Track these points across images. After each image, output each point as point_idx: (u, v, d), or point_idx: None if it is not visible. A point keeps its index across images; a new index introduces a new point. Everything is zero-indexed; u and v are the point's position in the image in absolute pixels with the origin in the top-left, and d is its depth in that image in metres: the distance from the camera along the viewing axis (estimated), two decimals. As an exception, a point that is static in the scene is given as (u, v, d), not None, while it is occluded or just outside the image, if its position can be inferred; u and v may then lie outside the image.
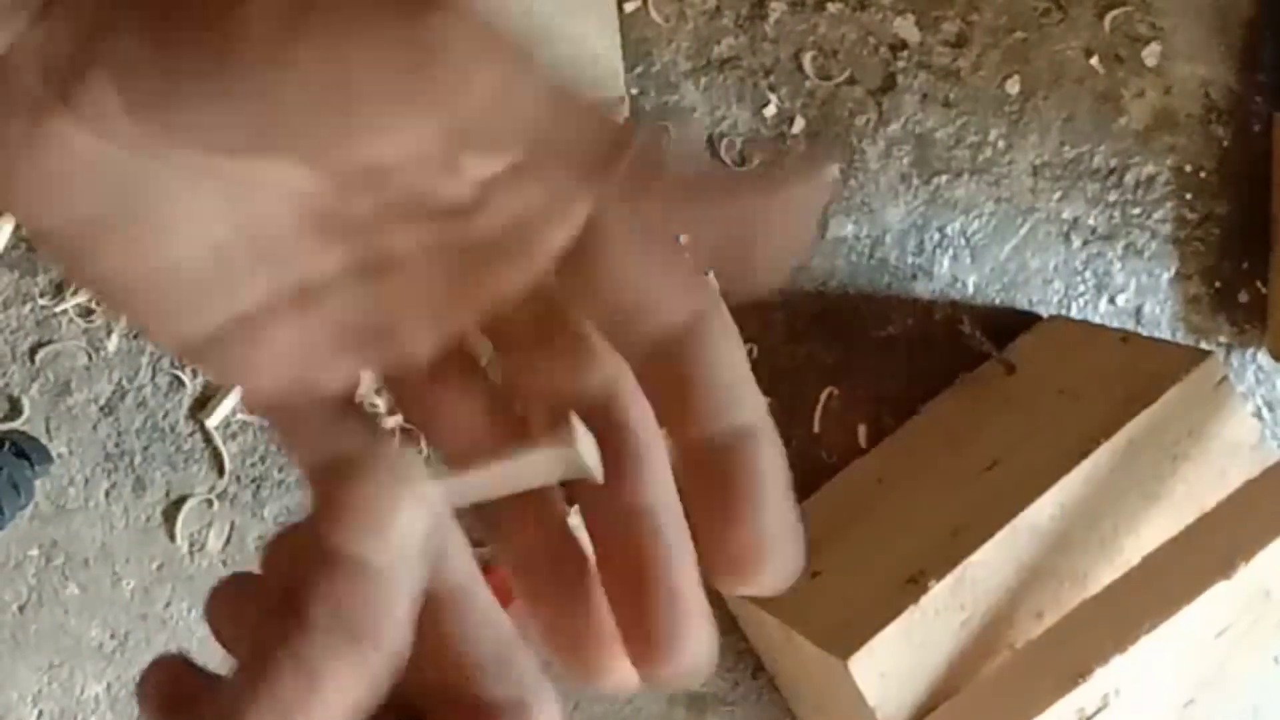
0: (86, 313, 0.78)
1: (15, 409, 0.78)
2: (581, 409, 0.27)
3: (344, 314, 0.28)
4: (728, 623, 0.85)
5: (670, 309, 0.27)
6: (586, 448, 0.26)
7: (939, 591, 0.71)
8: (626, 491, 0.27)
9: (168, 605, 0.80)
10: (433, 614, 0.25)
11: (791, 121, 0.85)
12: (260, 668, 0.23)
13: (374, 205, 0.27)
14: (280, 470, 0.80)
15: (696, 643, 0.25)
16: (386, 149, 0.25)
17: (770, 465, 0.26)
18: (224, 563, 0.80)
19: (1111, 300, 0.91)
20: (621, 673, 0.27)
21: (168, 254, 0.26)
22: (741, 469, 0.26)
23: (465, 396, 0.29)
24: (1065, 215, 0.90)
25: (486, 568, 0.28)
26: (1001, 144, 0.88)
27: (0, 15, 0.24)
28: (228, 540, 0.80)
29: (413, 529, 0.24)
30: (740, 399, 0.27)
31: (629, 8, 0.82)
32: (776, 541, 0.26)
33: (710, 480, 0.26)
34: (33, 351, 0.78)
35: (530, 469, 0.26)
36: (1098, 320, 0.91)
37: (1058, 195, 0.89)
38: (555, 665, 0.27)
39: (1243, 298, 0.93)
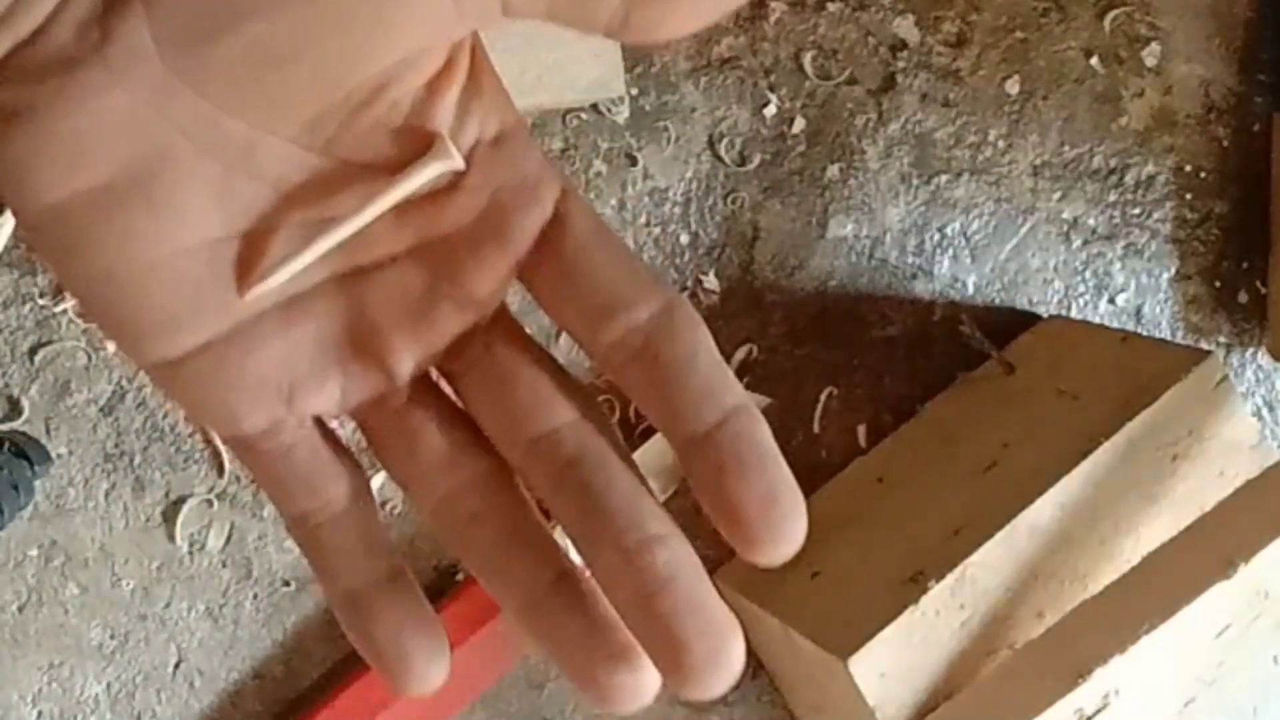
0: (86, 313, 0.78)
1: (15, 409, 0.78)
2: (551, 445, 0.28)
3: (327, 326, 0.28)
4: (728, 623, 0.85)
5: (643, 302, 0.28)
6: (453, 151, 0.27)
7: (939, 591, 0.71)
8: (622, 530, 0.27)
9: (168, 605, 0.80)
10: None
11: (791, 121, 0.85)
12: None
13: (361, 183, 0.27)
14: (280, 470, 0.80)
15: (733, 655, 0.26)
16: (395, 52, 0.25)
17: (763, 433, 0.27)
18: (224, 563, 0.81)
19: (1111, 300, 0.91)
20: (635, 690, 0.27)
21: (167, 243, 0.26)
22: (741, 441, 0.27)
23: (433, 428, 0.29)
24: (1065, 215, 0.90)
25: (467, 582, 0.28)
26: (1001, 144, 0.88)
27: None
28: (228, 540, 0.80)
29: None
30: (723, 384, 0.27)
31: (629, 8, 0.82)
32: (785, 497, 0.27)
33: (714, 460, 0.27)
34: (32, 351, 0.78)
35: (411, 184, 0.27)
36: (1098, 320, 0.91)
37: (1058, 195, 0.89)
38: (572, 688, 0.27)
39: (1242, 298, 0.93)
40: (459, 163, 0.27)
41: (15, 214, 0.26)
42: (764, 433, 0.27)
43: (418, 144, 0.27)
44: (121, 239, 0.25)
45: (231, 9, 0.24)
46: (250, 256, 0.27)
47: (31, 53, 0.24)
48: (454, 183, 0.28)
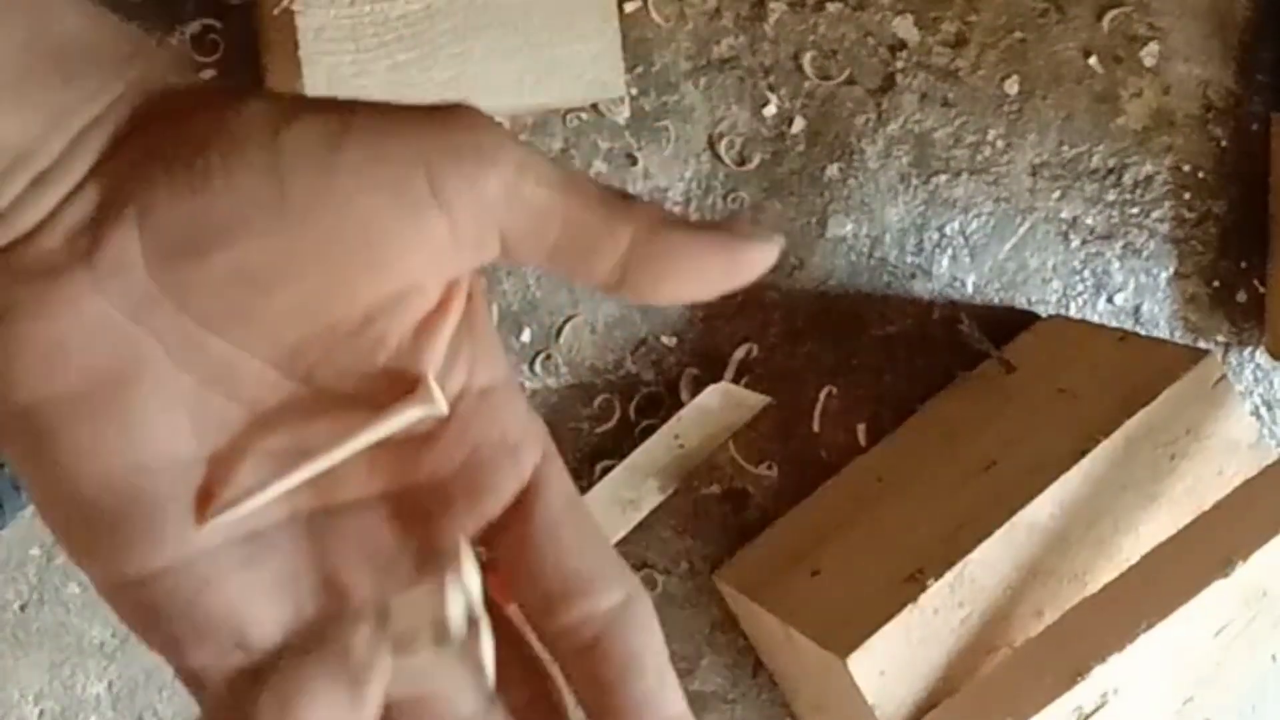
0: (88, 312, 0.78)
1: (17, 408, 0.78)
2: None
3: (288, 568, 0.27)
4: (728, 622, 0.86)
5: (603, 592, 0.27)
6: (438, 396, 0.26)
7: (938, 590, 0.71)
8: None
9: (169, 604, 0.80)
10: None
11: (791, 121, 0.85)
12: None
13: (340, 417, 0.26)
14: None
15: None
16: (386, 286, 0.25)
17: None
18: (225, 561, 0.81)
19: (1110, 299, 0.91)
20: None
21: (132, 457, 0.25)
22: None
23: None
24: (1064, 215, 0.90)
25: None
26: (1000, 144, 0.88)
27: (44, 186, 0.24)
28: (229, 539, 0.81)
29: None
30: (665, 693, 0.27)
31: (629, 8, 0.82)
32: None
33: None
34: (34, 351, 0.78)
35: (389, 426, 0.27)
36: (1096, 319, 0.91)
37: (1056, 195, 0.90)
38: None
39: (1241, 297, 0.93)
40: (442, 409, 0.26)
41: None
42: None
43: (402, 383, 0.26)
44: (87, 449, 0.25)
45: (221, 227, 0.24)
46: (213, 484, 0.26)
47: (20, 255, 0.24)
48: (434, 431, 0.27)
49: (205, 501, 0.26)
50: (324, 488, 0.27)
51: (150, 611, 0.26)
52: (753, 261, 0.26)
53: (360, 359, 0.26)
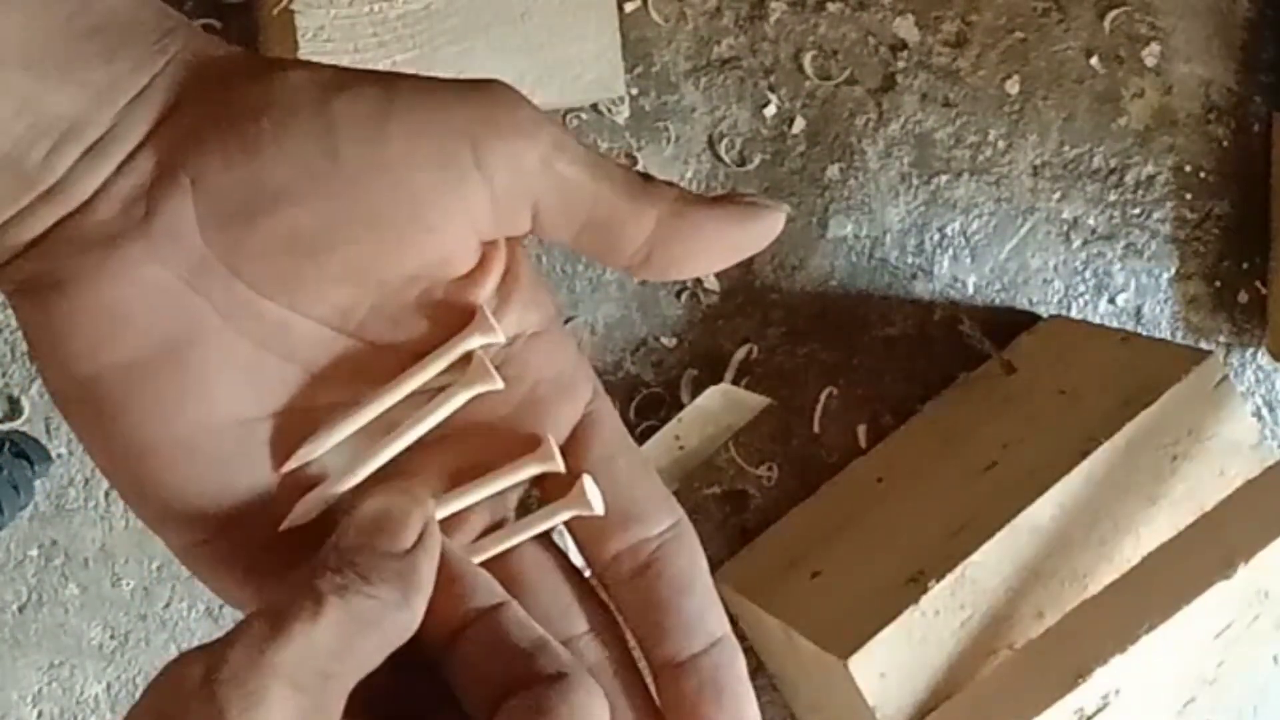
0: (86, 313, 0.78)
1: (15, 409, 0.78)
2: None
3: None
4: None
5: (655, 518, 0.28)
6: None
7: (939, 591, 0.71)
8: None
9: (167, 605, 0.80)
10: (482, 623, 0.26)
11: (791, 121, 0.85)
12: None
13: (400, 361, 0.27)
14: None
15: None
16: (430, 251, 0.26)
17: (742, 666, 0.28)
18: (224, 563, 0.81)
19: (1111, 300, 0.91)
20: None
21: (196, 421, 0.26)
22: (722, 670, 0.28)
23: None
24: (1065, 215, 0.90)
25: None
26: (1001, 144, 0.88)
27: (96, 157, 0.24)
28: (228, 540, 0.80)
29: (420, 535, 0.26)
30: (714, 612, 0.28)
31: (629, 8, 0.82)
32: None
33: (695, 683, 0.28)
34: (33, 351, 0.78)
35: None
36: (1098, 320, 0.91)
37: (1058, 195, 0.89)
38: None
39: (1242, 297, 0.93)
40: (500, 336, 0.27)
41: (45, 382, 0.26)
42: (743, 666, 0.28)
43: (451, 326, 0.27)
44: (151, 414, 0.25)
45: (274, 193, 0.24)
46: (286, 435, 0.26)
47: (77, 224, 0.24)
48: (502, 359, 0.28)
49: (282, 451, 0.27)
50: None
51: (229, 563, 0.27)
52: (766, 230, 0.27)
53: (410, 311, 0.27)
